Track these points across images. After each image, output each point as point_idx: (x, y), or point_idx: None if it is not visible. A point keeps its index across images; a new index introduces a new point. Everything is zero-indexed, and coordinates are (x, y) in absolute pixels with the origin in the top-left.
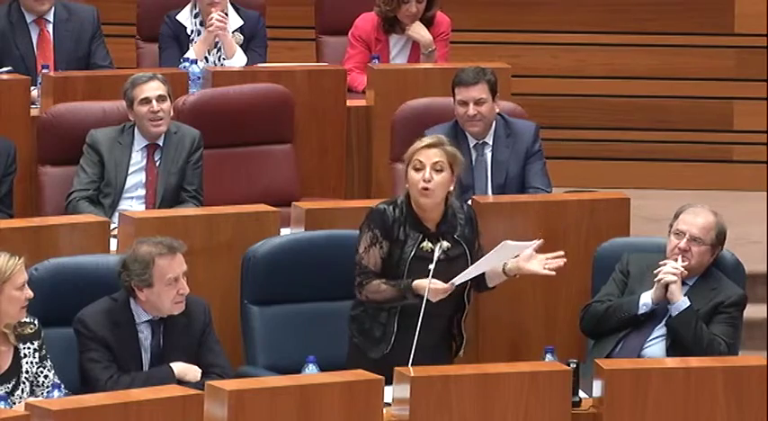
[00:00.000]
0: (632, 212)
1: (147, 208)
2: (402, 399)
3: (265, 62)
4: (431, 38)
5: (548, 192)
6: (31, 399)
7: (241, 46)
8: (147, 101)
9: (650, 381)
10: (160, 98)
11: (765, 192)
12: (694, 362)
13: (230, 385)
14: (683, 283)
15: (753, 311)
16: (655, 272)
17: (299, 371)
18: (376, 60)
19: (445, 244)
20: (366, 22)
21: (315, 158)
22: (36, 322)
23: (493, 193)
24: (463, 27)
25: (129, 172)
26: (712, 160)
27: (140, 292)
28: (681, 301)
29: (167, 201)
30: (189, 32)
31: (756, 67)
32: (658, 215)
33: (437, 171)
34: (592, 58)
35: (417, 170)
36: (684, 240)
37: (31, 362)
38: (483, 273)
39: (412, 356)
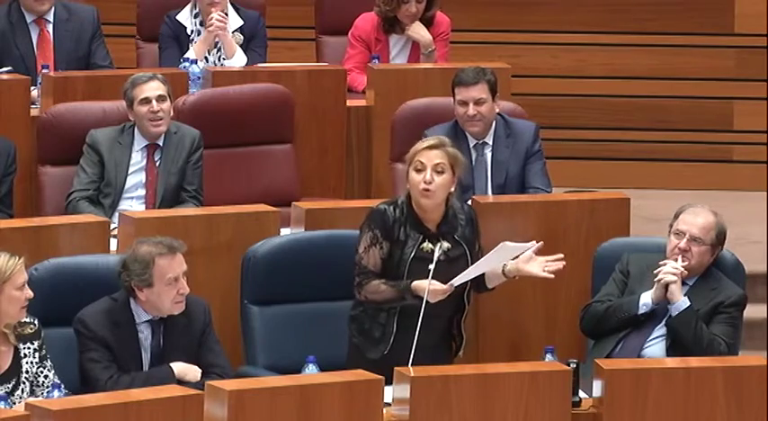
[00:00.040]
0: (632, 212)
1: (147, 208)
2: (402, 399)
3: (265, 62)
4: (431, 38)
5: (548, 192)
6: (31, 399)
7: (241, 46)
8: (146, 101)
9: (650, 381)
10: (160, 98)
11: (765, 192)
12: (694, 362)
13: (230, 385)
14: (683, 283)
15: (753, 311)
16: (655, 272)
17: (299, 371)
18: (376, 60)
19: (445, 244)
20: (366, 22)
21: (315, 158)
22: (36, 322)
23: (493, 193)
24: (463, 27)
25: (129, 172)
26: (712, 160)
27: (140, 292)
28: (681, 301)
29: (167, 201)
30: (189, 32)
31: (756, 67)
32: (658, 215)
33: (438, 172)
34: (592, 58)
35: (418, 171)
36: (684, 240)
37: (31, 362)
38: (483, 275)
39: (412, 357)
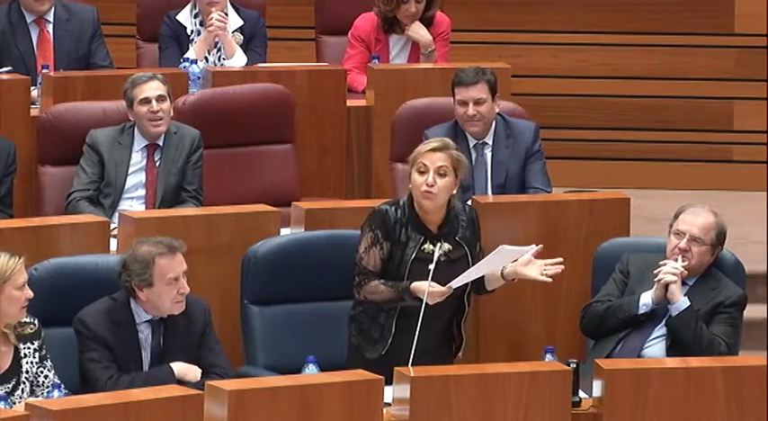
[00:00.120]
0: (632, 212)
1: (147, 208)
2: (402, 399)
3: (265, 62)
4: (430, 38)
5: (548, 192)
6: (31, 399)
7: (241, 46)
8: (146, 101)
9: (650, 381)
10: (160, 98)
11: (765, 192)
12: (694, 362)
13: (230, 385)
14: (683, 283)
15: (753, 311)
16: (655, 272)
17: (299, 371)
18: (376, 60)
19: (446, 246)
20: (366, 22)
21: (315, 158)
22: (36, 322)
23: (493, 193)
24: (463, 27)
25: (129, 172)
26: (712, 160)
27: (140, 292)
28: (681, 301)
29: (167, 201)
30: (189, 32)
31: (756, 67)
32: (658, 215)
33: (441, 175)
34: (592, 58)
35: (421, 173)
36: (684, 240)
37: (32, 362)
38: (482, 277)
39: (412, 358)
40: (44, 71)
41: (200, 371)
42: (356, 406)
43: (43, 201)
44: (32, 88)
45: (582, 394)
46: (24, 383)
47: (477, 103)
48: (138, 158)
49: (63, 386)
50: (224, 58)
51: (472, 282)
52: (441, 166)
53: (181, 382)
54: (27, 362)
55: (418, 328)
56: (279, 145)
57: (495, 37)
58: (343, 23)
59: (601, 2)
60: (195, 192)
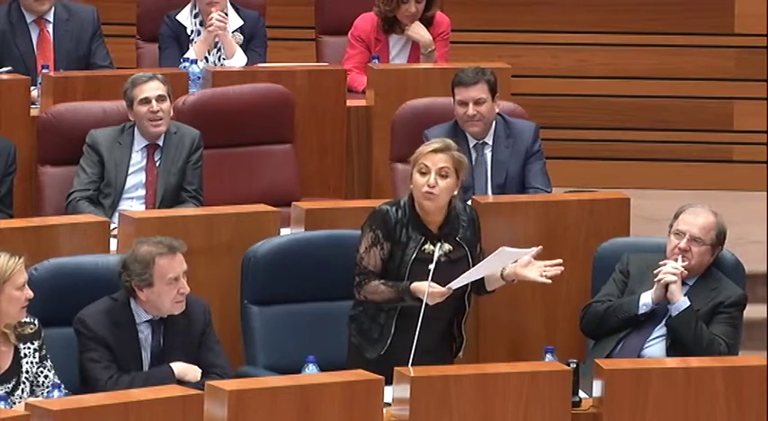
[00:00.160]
0: (632, 212)
1: (147, 208)
2: (402, 399)
3: (265, 62)
4: (430, 38)
5: (548, 192)
6: (31, 399)
7: (241, 46)
8: (146, 101)
9: (650, 381)
10: (160, 98)
11: (765, 192)
12: (694, 362)
13: (230, 385)
14: (683, 283)
15: (753, 311)
16: (655, 272)
17: (299, 371)
18: (376, 60)
19: (447, 246)
20: (365, 22)
21: (315, 158)
22: (36, 322)
23: (493, 193)
24: (463, 27)
25: (129, 172)
26: (712, 160)
27: (141, 292)
28: (681, 301)
29: (167, 201)
30: (189, 32)
31: (756, 67)
32: (658, 215)
33: (442, 176)
34: (592, 58)
35: (423, 174)
36: (684, 240)
37: (32, 362)
38: (482, 278)
39: (411, 358)
40: (44, 71)
41: (200, 371)
42: (356, 406)
43: (43, 201)
44: (32, 88)
45: (582, 394)
46: (24, 383)
47: (477, 103)
48: (138, 158)
49: (63, 386)
50: (224, 58)
51: (472, 282)
52: (442, 168)
53: (181, 382)
54: (27, 362)
55: (418, 328)
56: (279, 145)
57: (495, 37)
58: (343, 23)
59: (601, 2)
60: (195, 192)
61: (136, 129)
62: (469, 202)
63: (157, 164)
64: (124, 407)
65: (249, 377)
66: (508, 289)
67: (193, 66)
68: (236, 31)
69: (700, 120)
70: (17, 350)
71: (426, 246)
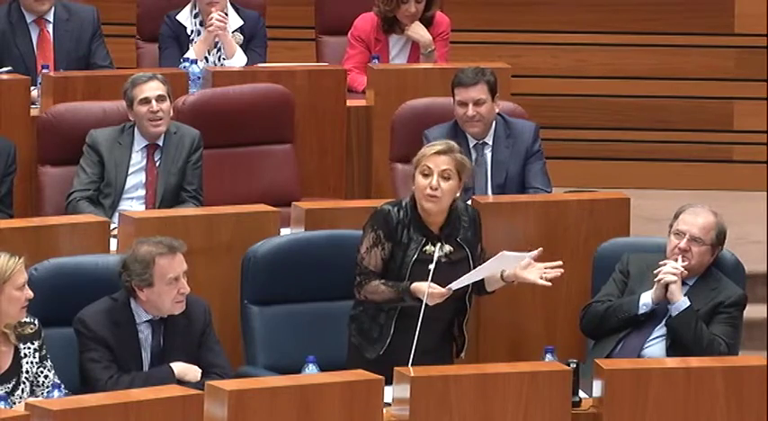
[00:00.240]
0: (632, 212)
1: (147, 208)
2: (402, 399)
3: (265, 62)
4: (430, 38)
5: (548, 192)
6: (31, 399)
7: (241, 46)
8: (146, 101)
9: (650, 381)
10: (160, 98)
11: (765, 192)
12: (694, 362)
13: (230, 385)
14: (683, 283)
15: (753, 311)
16: (655, 272)
17: (299, 371)
18: (376, 60)
19: (447, 247)
20: (365, 22)
21: (315, 158)
22: (36, 322)
23: (493, 193)
24: (463, 27)
25: (129, 172)
26: (712, 160)
27: (141, 292)
28: (681, 301)
29: (167, 201)
30: (189, 32)
31: (756, 67)
32: (658, 215)
33: (445, 178)
34: (592, 58)
35: (425, 176)
36: (684, 240)
37: (32, 362)
38: (482, 278)
39: (411, 358)
40: (44, 71)
41: (200, 371)
42: (356, 406)
43: (43, 201)
44: (32, 88)
45: (582, 394)
46: (24, 383)
47: (477, 103)
48: (138, 158)
49: (63, 386)
50: (224, 58)
51: (473, 283)
52: (445, 170)
53: (181, 382)
54: (27, 362)
55: (418, 329)
56: (279, 145)
57: (495, 37)
58: (343, 23)
59: (601, 2)
60: (195, 192)
61: (136, 129)
62: (469, 202)
63: (157, 164)
64: (124, 407)
65: (249, 377)
66: (508, 289)
67: (193, 66)
68: (236, 31)
69: (700, 120)
70: (17, 350)
71: (427, 247)
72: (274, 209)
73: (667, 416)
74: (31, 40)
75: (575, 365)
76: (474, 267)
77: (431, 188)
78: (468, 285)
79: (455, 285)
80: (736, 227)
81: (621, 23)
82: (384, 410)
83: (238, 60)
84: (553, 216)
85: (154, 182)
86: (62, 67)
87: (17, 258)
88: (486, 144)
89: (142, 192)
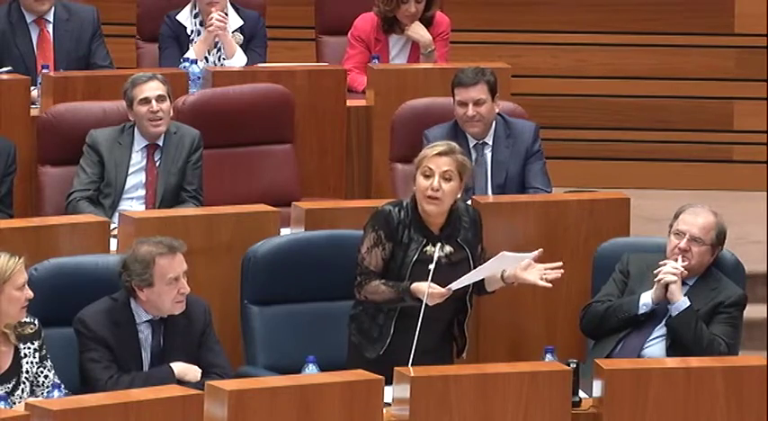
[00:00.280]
0: (632, 212)
1: (147, 208)
2: (402, 399)
3: (265, 62)
4: (430, 38)
5: (548, 192)
6: (31, 399)
7: (241, 46)
8: (146, 101)
9: (650, 381)
10: (160, 98)
11: (765, 192)
12: (694, 362)
13: (230, 385)
14: (683, 283)
15: (753, 311)
16: (655, 272)
17: (299, 371)
18: (376, 60)
19: (448, 248)
20: (365, 22)
21: (315, 158)
22: (36, 322)
23: (493, 193)
24: (463, 27)
25: (129, 172)
26: (712, 160)
27: (141, 292)
28: (681, 301)
29: (167, 201)
30: (189, 32)
31: (756, 67)
32: (658, 215)
33: (446, 180)
34: (592, 58)
35: (426, 177)
36: (684, 240)
37: (32, 362)
38: (483, 279)
39: (411, 358)
40: (44, 71)
41: (200, 371)
42: (356, 406)
43: (43, 201)
44: (32, 88)
45: (582, 394)
46: (24, 383)
47: (477, 103)
48: (138, 158)
49: (63, 386)
50: (224, 58)
51: (473, 283)
52: (446, 171)
53: (181, 382)
54: (27, 362)
55: (418, 329)
56: (279, 145)
57: (495, 37)
58: (343, 23)
59: (601, 2)
60: (195, 192)
61: (136, 129)
62: (469, 202)
63: (157, 164)
64: (124, 407)
65: (249, 377)
66: (508, 289)
67: (193, 66)
68: (236, 31)
69: (700, 120)
70: (17, 350)
71: (428, 248)
72: (274, 209)
73: (667, 416)
74: (31, 40)
75: (575, 365)
76: (474, 268)
77: (432, 189)
78: (469, 285)
79: (455, 285)
80: (736, 227)
81: (621, 23)
82: (384, 410)
83: (238, 60)
84: (553, 216)
85: (154, 182)
86: (62, 67)
87: (17, 258)
88: (486, 144)
89: (142, 192)
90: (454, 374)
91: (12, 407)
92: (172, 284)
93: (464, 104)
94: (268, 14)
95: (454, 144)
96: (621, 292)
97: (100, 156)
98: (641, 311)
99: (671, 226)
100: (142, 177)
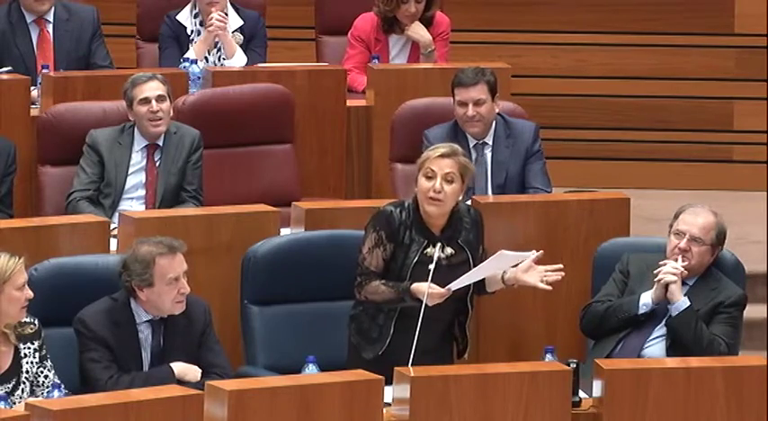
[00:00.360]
0: (632, 212)
1: (147, 208)
2: (402, 399)
3: (265, 62)
4: (430, 38)
5: (548, 192)
6: (31, 399)
7: (241, 46)
8: (146, 101)
9: (650, 381)
10: (159, 98)
11: (765, 192)
12: (694, 362)
13: (230, 385)
14: (683, 283)
15: (753, 311)
16: (655, 272)
17: (299, 371)
18: (376, 60)
19: (449, 250)
20: (365, 22)
21: (315, 158)
22: (36, 322)
23: (493, 193)
24: (463, 27)
25: (129, 172)
26: (712, 160)
27: (141, 292)
28: (681, 301)
29: (167, 201)
30: (189, 32)
31: (756, 67)
32: (658, 215)
33: (448, 181)
34: (592, 58)
35: (428, 178)
36: (684, 240)
37: (32, 362)
38: (483, 279)
39: (411, 358)
40: (44, 71)
41: (200, 371)
42: (356, 406)
43: (43, 201)
44: (32, 88)
45: (582, 394)
46: (24, 383)
47: (477, 103)
48: (138, 158)
49: (63, 386)
50: (224, 58)
51: (474, 283)
52: (448, 173)
53: (181, 382)
54: (27, 362)
55: (418, 329)
56: (279, 145)
57: (495, 37)
58: (343, 23)
59: (601, 2)
60: (195, 192)
61: (136, 129)
62: (469, 202)
63: (157, 164)
64: (124, 407)
65: (249, 377)
66: (508, 289)
67: (193, 66)
68: (236, 31)
69: (700, 120)
70: (17, 350)
71: (429, 250)
72: (274, 209)
73: (667, 416)
74: (31, 40)
75: (575, 365)
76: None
77: (434, 191)
78: (470, 286)
79: (454, 285)
80: (736, 227)
81: (621, 23)
82: (384, 410)
83: (238, 60)
84: (553, 216)
85: (154, 182)
86: (62, 67)
87: (17, 258)
88: (486, 144)
89: (142, 192)
90: (454, 374)
91: (12, 407)
92: (172, 284)
93: (464, 104)
94: (268, 14)
95: (456, 146)
96: (621, 292)
97: (100, 156)
98: (641, 311)
99: (671, 226)
100: (142, 177)
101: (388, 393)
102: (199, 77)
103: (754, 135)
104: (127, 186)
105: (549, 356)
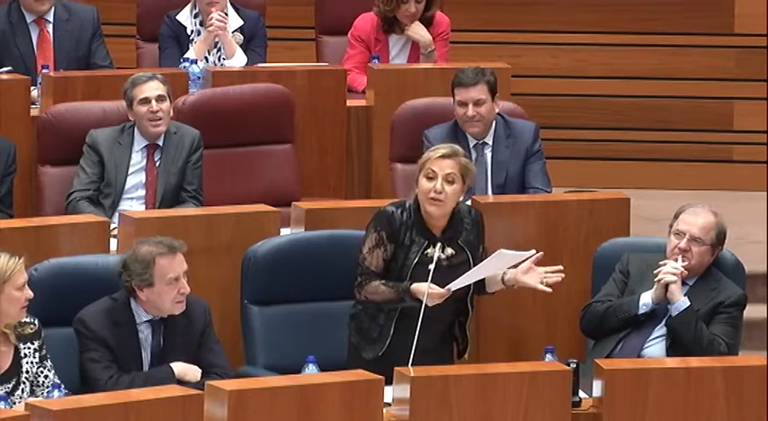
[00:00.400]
0: (632, 212)
1: (147, 208)
2: (402, 399)
3: (265, 62)
4: (430, 38)
5: (548, 192)
6: (31, 399)
7: (241, 46)
8: (146, 101)
9: (650, 381)
10: (159, 98)
11: (765, 192)
12: (694, 362)
13: (230, 385)
14: (683, 283)
15: (753, 311)
16: (655, 272)
17: (299, 371)
18: (376, 60)
19: (449, 250)
20: (365, 22)
21: (315, 158)
22: (36, 322)
23: (493, 193)
24: (463, 27)
25: (129, 172)
26: (712, 160)
27: (141, 292)
28: (681, 301)
29: (167, 201)
30: (189, 32)
31: (756, 67)
32: (658, 215)
33: (449, 182)
34: (592, 58)
35: (429, 179)
36: (684, 240)
37: (32, 362)
38: (483, 279)
39: (411, 358)
40: (44, 71)
41: (200, 371)
42: (356, 406)
43: (43, 201)
44: (32, 88)
45: (582, 394)
46: (24, 383)
47: (477, 103)
48: (138, 158)
49: (63, 386)
50: (224, 58)
51: (474, 283)
52: (449, 174)
53: (181, 382)
54: (27, 362)
55: (418, 329)
56: (279, 145)
57: (495, 37)
58: (343, 23)
59: (601, 2)
60: (195, 192)
61: (136, 129)
62: (469, 202)
63: (157, 164)
64: (124, 407)
65: (249, 377)
66: (508, 290)
67: (193, 66)
68: (236, 31)
69: (700, 120)
70: (17, 350)
71: (429, 251)
72: (274, 209)
73: (667, 416)
74: (31, 40)
75: (575, 365)
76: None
77: (435, 192)
78: (470, 287)
79: (454, 285)
80: (736, 227)
81: (621, 23)
82: (384, 410)
83: (238, 60)
84: (553, 216)
85: (154, 182)
86: (62, 67)
87: (17, 258)
88: (486, 144)
89: (142, 192)
90: (454, 374)
91: (12, 407)
92: (172, 284)
93: (464, 104)
94: (268, 14)
95: (457, 146)
96: (621, 292)
97: (100, 156)
98: (641, 311)
99: (671, 226)
100: (142, 177)
101: (388, 393)
102: (199, 77)
103: (754, 135)
104: (127, 186)
105: (549, 356)
